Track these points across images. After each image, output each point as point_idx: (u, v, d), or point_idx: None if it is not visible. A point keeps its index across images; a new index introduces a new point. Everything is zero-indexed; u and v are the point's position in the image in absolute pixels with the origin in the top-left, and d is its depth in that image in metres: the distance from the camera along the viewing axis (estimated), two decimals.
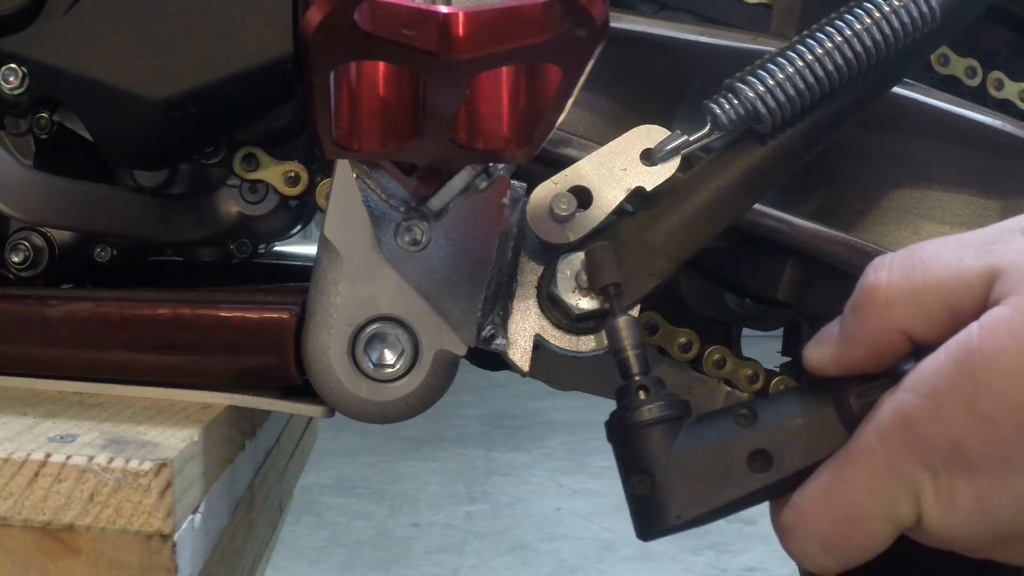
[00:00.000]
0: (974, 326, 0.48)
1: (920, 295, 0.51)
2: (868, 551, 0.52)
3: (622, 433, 0.56)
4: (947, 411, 0.48)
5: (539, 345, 0.62)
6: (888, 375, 0.52)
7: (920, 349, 0.51)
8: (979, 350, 0.48)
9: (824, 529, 0.52)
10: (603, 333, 0.60)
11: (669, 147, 0.61)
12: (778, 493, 0.54)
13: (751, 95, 0.61)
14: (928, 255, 0.52)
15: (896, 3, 0.61)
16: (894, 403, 0.50)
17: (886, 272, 0.52)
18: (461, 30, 0.40)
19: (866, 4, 0.61)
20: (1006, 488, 0.48)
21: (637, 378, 0.56)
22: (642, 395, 0.55)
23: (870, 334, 0.52)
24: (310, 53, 0.41)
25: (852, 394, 0.53)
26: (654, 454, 0.54)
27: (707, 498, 0.54)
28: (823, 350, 0.55)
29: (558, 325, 0.62)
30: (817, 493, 0.52)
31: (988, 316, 0.48)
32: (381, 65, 0.48)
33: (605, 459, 0.56)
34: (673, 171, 0.62)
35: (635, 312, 0.62)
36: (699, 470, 0.54)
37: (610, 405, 0.58)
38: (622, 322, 0.57)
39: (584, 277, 0.60)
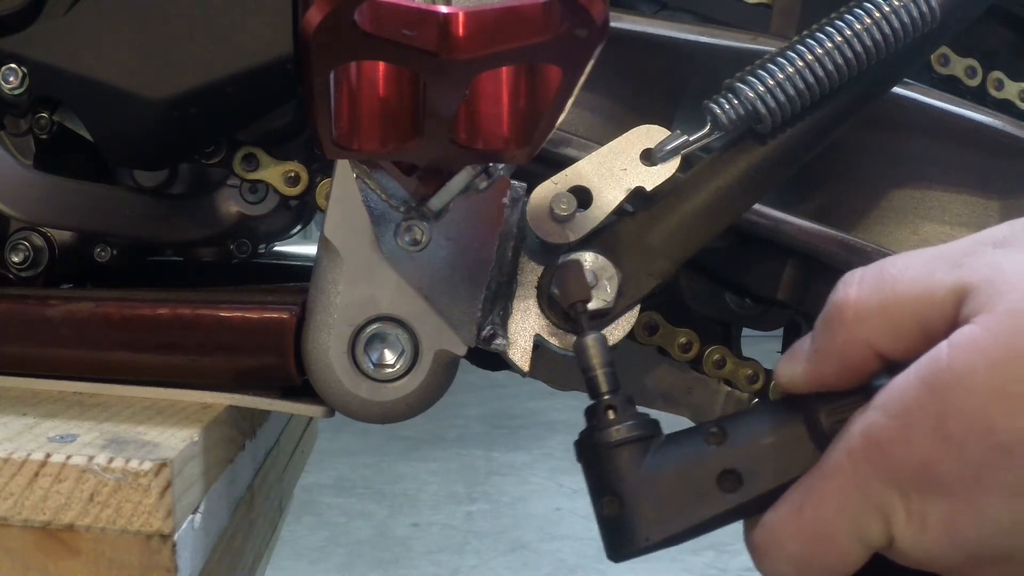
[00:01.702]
0: (943, 345, 0.47)
1: (889, 311, 0.50)
2: (840, 571, 0.51)
3: (591, 453, 0.55)
4: (916, 432, 0.47)
5: (539, 345, 0.62)
6: (859, 392, 0.52)
7: (893, 365, 0.50)
8: (948, 369, 0.47)
9: (795, 549, 0.52)
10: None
11: (669, 147, 0.61)
12: (749, 513, 0.54)
13: (751, 95, 0.61)
14: (898, 269, 0.51)
15: (896, 3, 0.61)
16: (863, 423, 0.49)
17: (855, 287, 0.51)
18: (461, 30, 0.40)
19: (866, 4, 0.61)
20: (976, 509, 0.47)
21: (606, 397, 0.55)
22: (611, 415, 0.55)
23: (840, 350, 0.52)
24: (310, 53, 0.41)
25: (823, 412, 0.52)
26: (623, 475, 0.54)
27: (676, 519, 0.53)
28: (794, 366, 0.54)
29: (558, 325, 0.62)
30: (788, 513, 0.52)
31: (958, 335, 0.47)
32: (381, 65, 0.48)
33: None
34: (673, 171, 0.62)
35: (635, 312, 0.62)
36: (668, 491, 0.53)
37: None
38: (590, 340, 0.57)
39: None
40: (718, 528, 0.54)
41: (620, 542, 0.54)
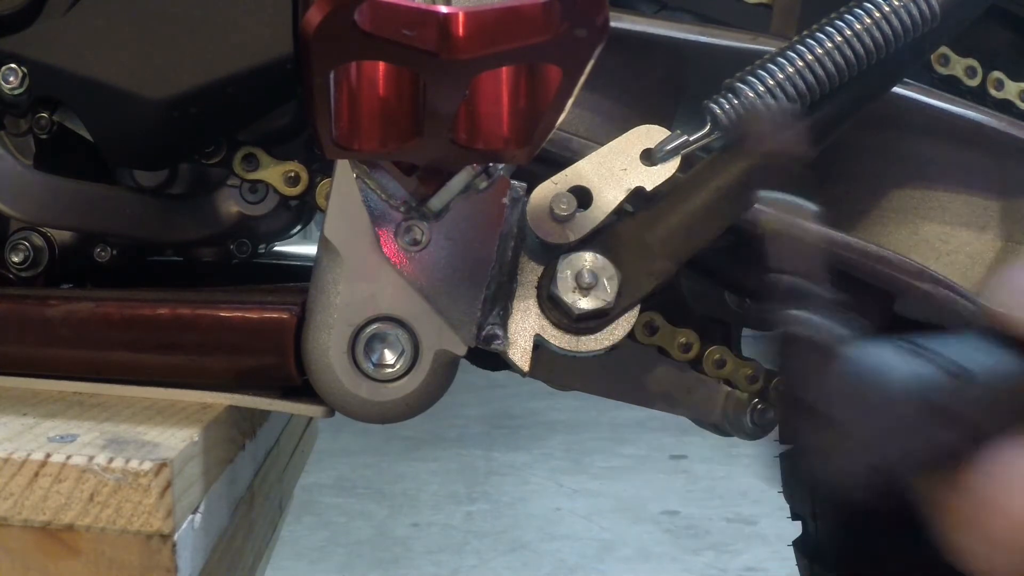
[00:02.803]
0: None
1: None
2: None
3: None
4: None
5: (539, 345, 0.62)
6: None
7: None
8: None
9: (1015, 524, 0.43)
10: (603, 333, 0.60)
11: (669, 147, 0.61)
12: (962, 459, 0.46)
13: (751, 95, 0.61)
14: None
15: (896, 3, 0.61)
16: None
17: None
18: (461, 30, 0.40)
19: (866, 4, 0.61)
20: None
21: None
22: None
23: None
24: (310, 53, 0.41)
25: None
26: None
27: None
28: None
29: (558, 325, 0.62)
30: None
31: None
32: (381, 65, 0.48)
33: (605, 459, 0.56)
34: (673, 171, 0.62)
35: (635, 312, 0.62)
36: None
37: (611, 405, 0.57)
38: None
39: (584, 277, 0.60)
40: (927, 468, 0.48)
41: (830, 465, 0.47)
